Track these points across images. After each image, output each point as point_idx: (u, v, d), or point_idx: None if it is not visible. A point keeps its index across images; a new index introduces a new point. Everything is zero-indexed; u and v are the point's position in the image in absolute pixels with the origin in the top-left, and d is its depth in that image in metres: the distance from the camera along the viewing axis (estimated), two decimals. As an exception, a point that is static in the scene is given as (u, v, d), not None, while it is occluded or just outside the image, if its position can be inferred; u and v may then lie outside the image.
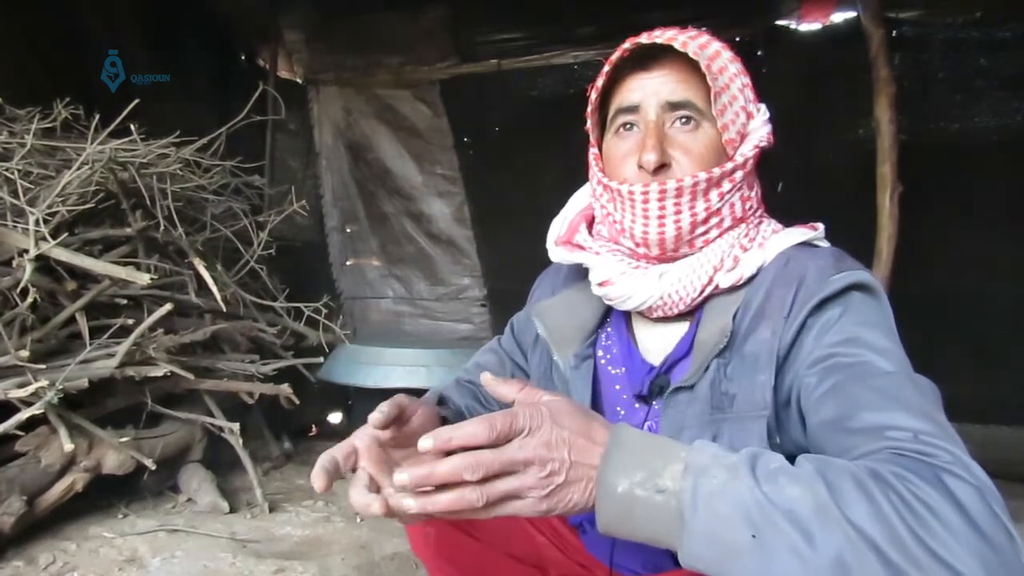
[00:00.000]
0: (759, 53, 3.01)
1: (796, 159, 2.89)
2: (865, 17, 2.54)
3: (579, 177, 0.95)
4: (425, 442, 0.59)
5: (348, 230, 3.93)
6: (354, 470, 0.71)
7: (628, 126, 0.85)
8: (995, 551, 0.51)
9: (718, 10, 2.96)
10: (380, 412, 0.74)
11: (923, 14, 2.68)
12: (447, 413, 0.95)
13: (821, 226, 0.88)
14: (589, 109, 0.88)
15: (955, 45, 2.69)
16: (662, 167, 0.81)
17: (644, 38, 0.81)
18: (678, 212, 0.81)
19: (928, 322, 2.58)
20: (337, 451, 0.71)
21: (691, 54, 0.78)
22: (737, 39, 2.96)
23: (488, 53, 3.44)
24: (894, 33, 2.64)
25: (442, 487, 0.59)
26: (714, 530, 0.55)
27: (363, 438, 0.74)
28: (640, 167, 0.82)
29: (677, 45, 0.78)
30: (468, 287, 3.78)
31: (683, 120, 0.82)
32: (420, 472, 0.58)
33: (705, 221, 0.82)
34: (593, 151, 0.90)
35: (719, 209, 0.82)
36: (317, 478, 0.68)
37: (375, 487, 0.68)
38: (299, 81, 3.86)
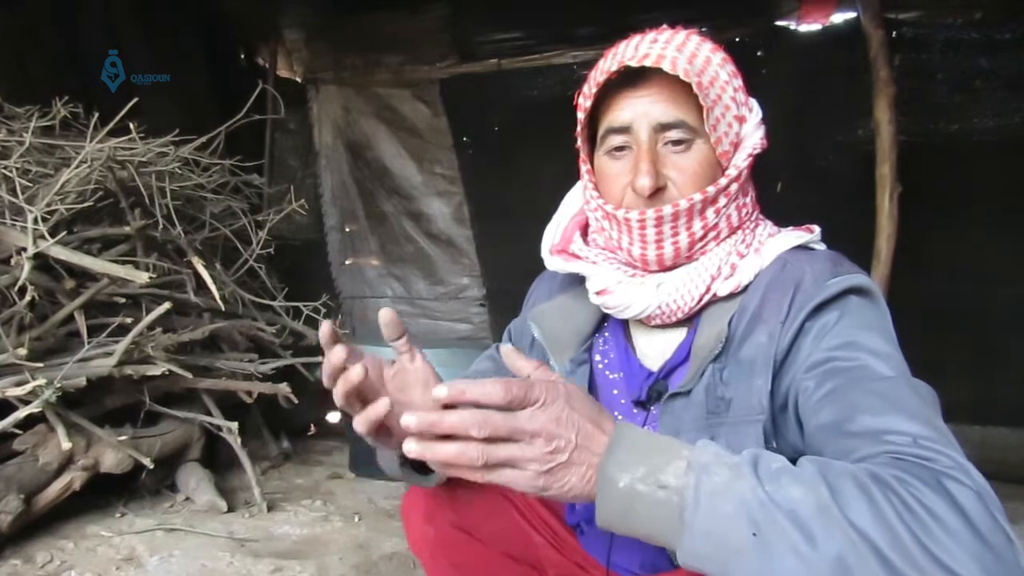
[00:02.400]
0: (759, 53, 3.00)
1: (796, 160, 2.89)
2: (865, 18, 2.54)
3: (578, 177, 0.95)
4: (439, 391, 0.59)
5: (347, 229, 3.93)
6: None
7: (620, 144, 0.83)
8: (995, 555, 0.51)
9: (718, 10, 2.95)
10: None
11: (923, 15, 2.67)
12: None
13: (817, 228, 0.88)
14: (578, 128, 0.86)
15: (955, 46, 2.69)
16: (657, 190, 0.80)
17: (630, 55, 0.78)
18: (676, 234, 0.81)
19: (927, 323, 2.58)
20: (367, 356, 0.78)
21: (682, 75, 0.75)
22: (737, 39, 2.96)
23: (488, 52, 3.43)
24: (894, 34, 2.63)
25: (445, 438, 0.59)
26: (715, 528, 0.55)
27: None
28: (635, 191, 0.81)
29: (666, 66, 0.75)
30: (467, 287, 3.78)
31: (676, 139, 0.81)
32: (428, 418, 0.58)
33: (703, 238, 0.82)
34: (585, 167, 0.89)
35: (716, 224, 0.82)
36: (326, 326, 0.74)
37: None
38: (299, 80, 3.85)
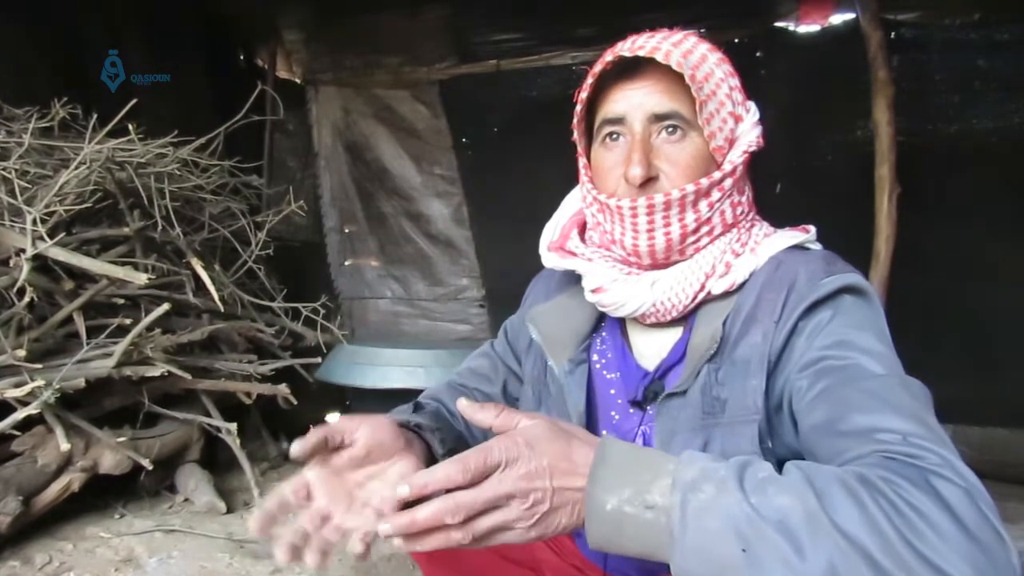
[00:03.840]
0: (758, 54, 3.00)
1: (795, 160, 2.89)
2: (863, 18, 2.54)
3: (577, 178, 0.95)
4: (401, 490, 0.60)
5: (346, 230, 3.93)
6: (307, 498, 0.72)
7: (614, 136, 0.84)
8: (985, 553, 0.51)
9: (717, 11, 2.96)
10: (300, 443, 0.73)
11: (921, 16, 2.67)
12: (421, 418, 0.92)
13: (813, 228, 0.88)
14: (575, 120, 0.87)
15: (953, 47, 2.69)
16: (649, 180, 0.81)
17: (627, 47, 0.79)
18: (667, 225, 0.81)
19: (926, 323, 2.58)
20: (287, 487, 0.72)
21: (675, 66, 0.76)
22: (736, 40, 2.96)
23: (487, 53, 3.43)
24: (892, 35, 2.63)
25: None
26: (704, 545, 0.55)
27: (315, 469, 0.74)
28: (627, 181, 0.81)
29: (660, 56, 0.76)
30: (466, 287, 3.78)
31: (669, 130, 0.81)
32: (401, 521, 0.59)
33: (695, 231, 0.82)
34: (582, 161, 0.89)
35: (709, 218, 0.82)
36: (254, 522, 0.69)
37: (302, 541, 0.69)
38: (298, 81, 3.85)
